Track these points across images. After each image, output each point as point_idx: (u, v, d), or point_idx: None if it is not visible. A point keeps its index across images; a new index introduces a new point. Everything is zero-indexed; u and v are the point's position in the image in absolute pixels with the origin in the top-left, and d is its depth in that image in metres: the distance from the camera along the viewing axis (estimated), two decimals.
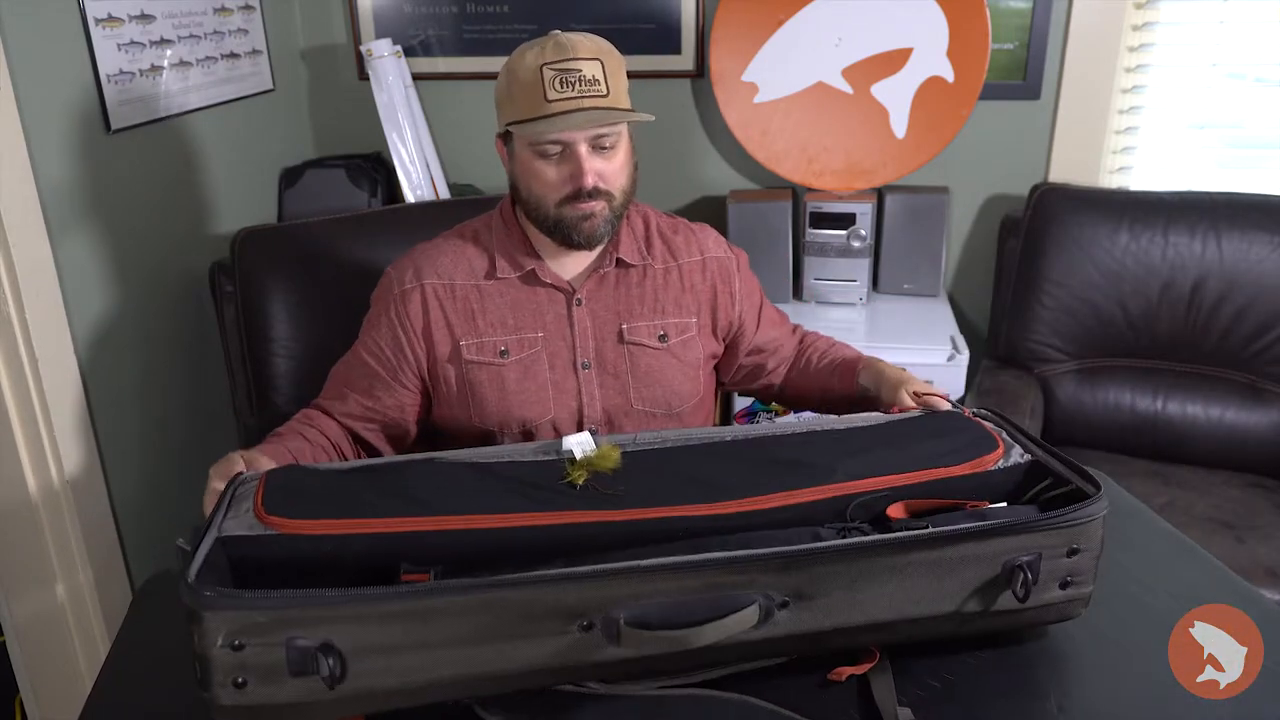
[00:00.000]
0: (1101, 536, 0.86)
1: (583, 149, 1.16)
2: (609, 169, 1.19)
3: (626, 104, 1.19)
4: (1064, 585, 0.86)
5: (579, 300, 1.27)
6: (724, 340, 1.37)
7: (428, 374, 1.29)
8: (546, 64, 1.14)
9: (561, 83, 1.14)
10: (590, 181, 1.17)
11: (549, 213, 1.21)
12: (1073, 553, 0.85)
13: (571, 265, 1.28)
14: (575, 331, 1.27)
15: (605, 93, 1.15)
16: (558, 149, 1.17)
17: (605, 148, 1.18)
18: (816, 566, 0.80)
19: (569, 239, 1.22)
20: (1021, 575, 0.83)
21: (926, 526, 0.86)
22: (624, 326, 1.28)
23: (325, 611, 0.74)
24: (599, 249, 1.27)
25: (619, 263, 1.29)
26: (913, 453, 0.98)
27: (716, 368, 1.40)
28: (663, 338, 1.30)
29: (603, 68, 1.16)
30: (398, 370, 1.27)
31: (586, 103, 1.14)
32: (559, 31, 1.19)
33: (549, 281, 1.27)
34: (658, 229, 1.33)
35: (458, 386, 1.28)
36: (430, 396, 1.30)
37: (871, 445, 1.01)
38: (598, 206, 1.19)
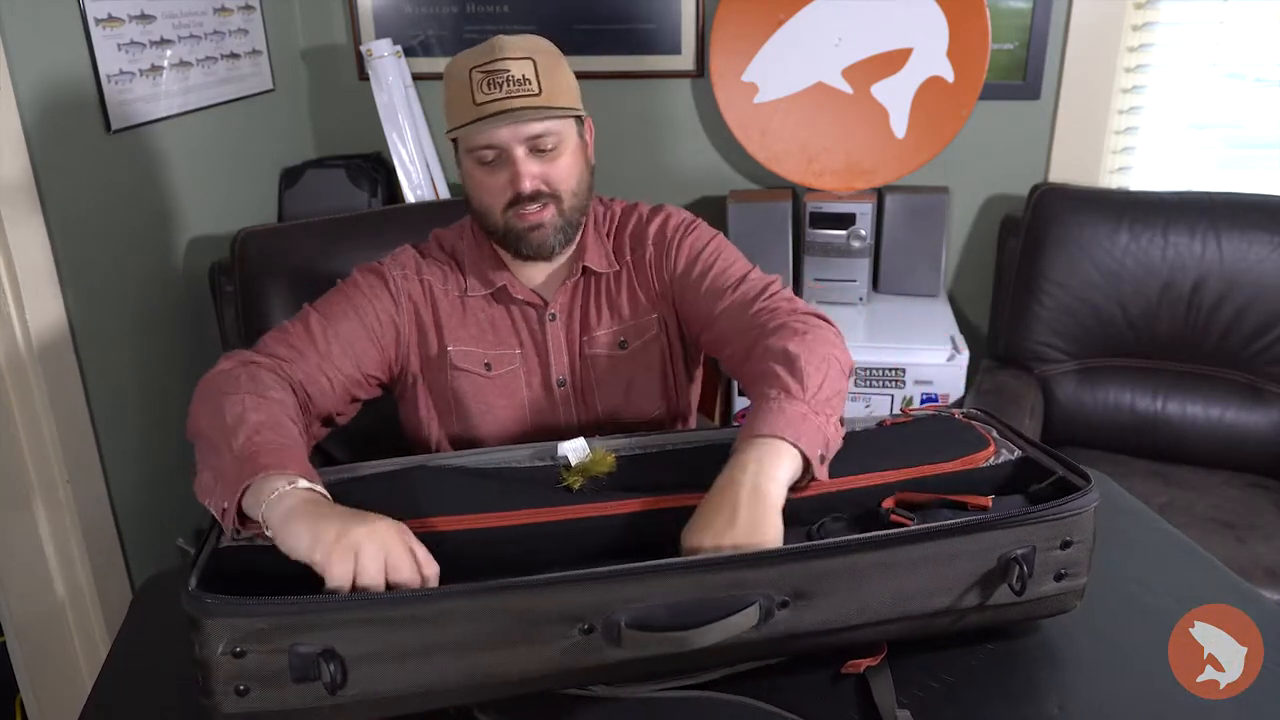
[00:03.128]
0: (1094, 528, 0.87)
1: (518, 151, 1.11)
2: (552, 172, 1.13)
3: (565, 102, 1.13)
4: (1058, 577, 0.86)
5: (552, 315, 1.23)
6: (688, 324, 1.26)
7: (404, 364, 1.22)
8: (475, 67, 1.10)
9: (489, 84, 1.09)
10: (528, 185, 1.12)
11: (497, 222, 1.16)
12: (1066, 545, 0.85)
13: (539, 275, 1.23)
14: (550, 348, 1.24)
15: (536, 91, 1.09)
16: (493, 154, 1.12)
17: (545, 150, 1.12)
18: (815, 564, 0.80)
19: (520, 250, 1.17)
20: (1017, 568, 0.83)
21: (914, 520, 0.87)
22: (584, 338, 1.24)
23: (326, 617, 0.74)
24: (565, 256, 1.23)
25: (585, 271, 1.23)
26: (904, 451, 0.98)
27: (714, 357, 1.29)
28: (623, 344, 1.25)
29: (535, 66, 1.10)
30: (379, 336, 1.17)
31: (514, 102, 1.08)
32: (500, 35, 1.13)
33: (521, 297, 1.22)
34: (616, 227, 1.27)
35: (438, 394, 1.24)
36: (370, 396, 1.20)
37: (864, 445, 1.01)
38: (546, 214, 1.14)
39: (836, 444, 0.95)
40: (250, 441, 0.91)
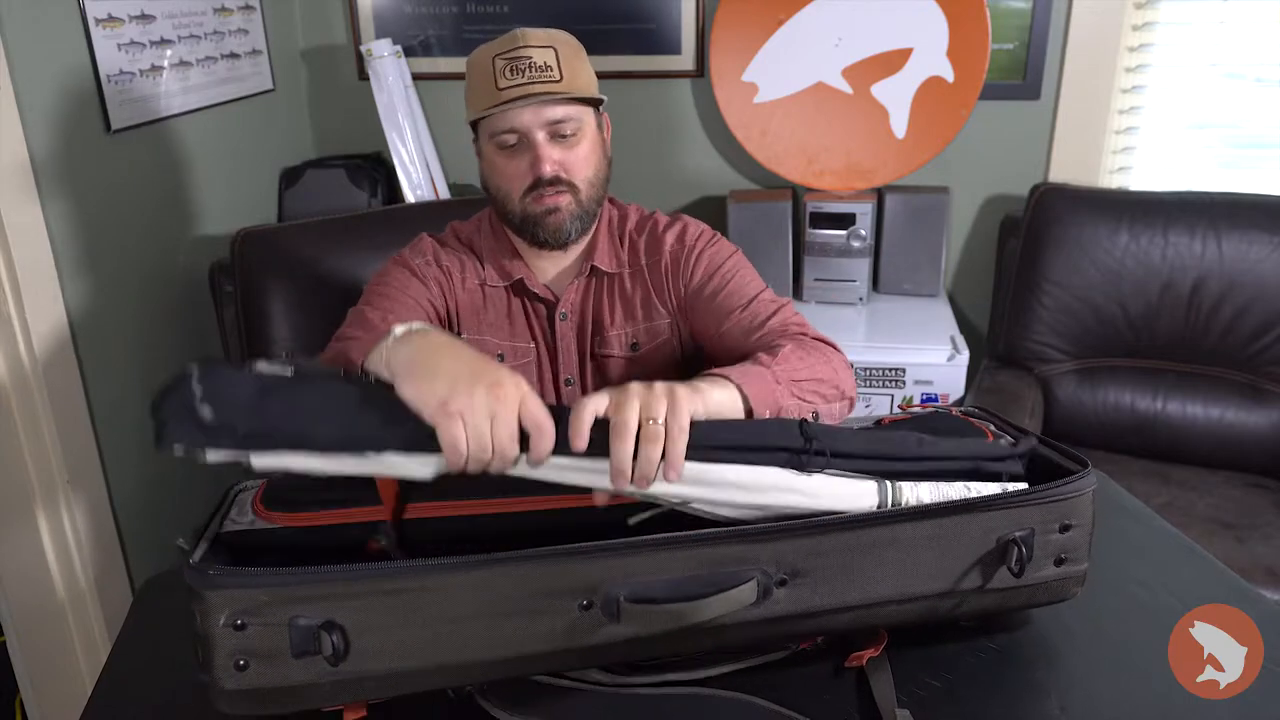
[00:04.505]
0: (1093, 513, 0.87)
1: (539, 136, 1.14)
2: (571, 158, 1.16)
3: (586, 90, 1.16)
4: (1058, 562, 0.87)
5: (563, 315, 1.24)
6: (696, 335, 1.26)
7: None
8: (498, 54, 1.13)
9: (512, 70, 1.12)
10: (548, 170, 1.14)
11: (515, 209, 1.18)
12: (1065, 529, 0.86)
13: (551, 269, 1.25)
14: (560, 347, 1.25)
15: (558, 78, 1.12)
16: (514, 138, 1.14)
17: (565, 135, 1.15)
18: (812, 540, 0.80)
19: (536, 236, 1.18)
20: (1016, 550, 0.83)
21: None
22: (595, 339, 1.25)
23: (327, 589, 0.74)
24: (576, 253, 1.24)
25: (593, 270, 1.24)
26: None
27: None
28: (635, 346, 1.25)
29: (556, 55, 1.13)
30: (426, 316, 1.19)
31: (536, 88, 1.12)
32: (521, 28, 1.17)
33: (536, 291, 1.24)
34: (630, 231, 1.28)
35: None
36: None
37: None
38: (563, 200, 1.16)
39: (770, 397, 0.95)
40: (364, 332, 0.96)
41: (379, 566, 0.75)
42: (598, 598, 0.77)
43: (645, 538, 0.79)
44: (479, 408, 0.76)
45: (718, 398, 0.90)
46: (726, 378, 0.93)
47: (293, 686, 0.75)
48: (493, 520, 0.89)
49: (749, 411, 0.93)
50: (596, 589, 0.77)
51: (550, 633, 0.77)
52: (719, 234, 1.29)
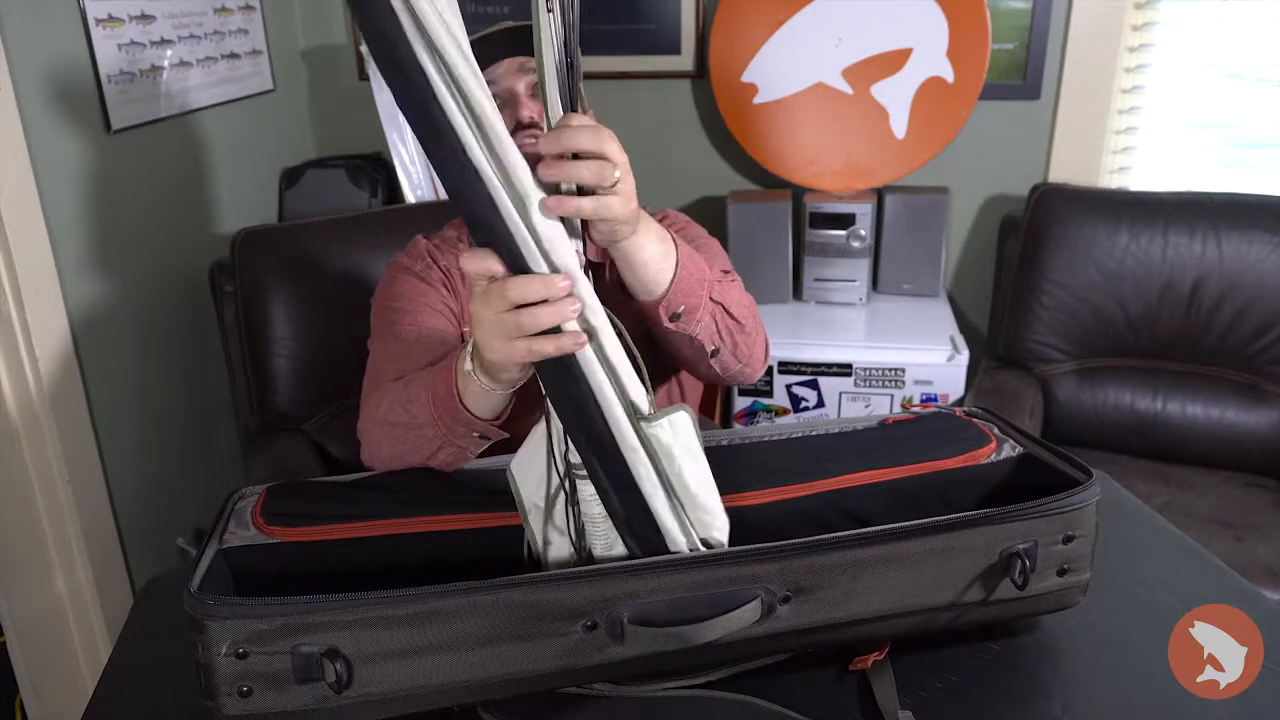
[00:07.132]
0: (1096, 523, 0.87)
1: (520, 87, 1.17)
2: None
3: None
4: (1061, 572, 0.86)
5: None
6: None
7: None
8: (481, 35, 1.20)
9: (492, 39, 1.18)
10: (526, 114, 1.16)
11: None
12: (1068, 540, 0.85)
13: None
14: None
15: None
16: (497, 99, 1.18)
17: None
18: (815, 558, 0.80)
19: None
20: (1019, 563, 0.83)
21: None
22: None
23: (329, 617, 0.73)
24: None
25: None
26: (906, 448, 0.99)
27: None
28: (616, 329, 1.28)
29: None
30: (449, 320, 1.19)
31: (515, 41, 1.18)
32: None
33: None
34: None
35: None
36: None
37: (866, 444, 1.01)
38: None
39: (695, 290, 1.03)
40: (423, 386, 0.97)
41: (379, 595, 0.75)
42: (601, 619, 0.77)
43: (648, 559, 0.79)
44: (496, 328, 0.79)
45: (652, 247, 0.97)
46: (676, 246, 1.01)
47: (296, 711, 0.75)
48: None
49: (668, 287, 1.00)
50: (600, 611, 0.77)
51: (554, 654, 0.77)
52: (696, 224, 1.31)
